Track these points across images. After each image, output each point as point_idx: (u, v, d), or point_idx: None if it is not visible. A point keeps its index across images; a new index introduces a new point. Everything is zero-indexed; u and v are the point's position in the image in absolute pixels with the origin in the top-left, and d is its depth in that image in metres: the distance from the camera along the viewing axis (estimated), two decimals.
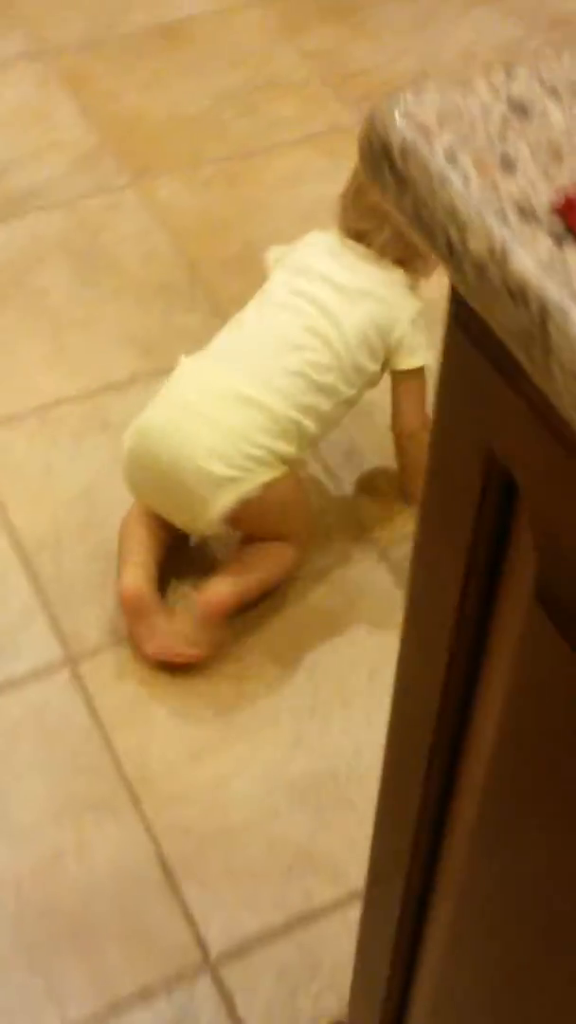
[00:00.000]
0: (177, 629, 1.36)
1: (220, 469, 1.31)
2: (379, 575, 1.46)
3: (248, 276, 1.76)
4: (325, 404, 1.37)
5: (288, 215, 1.85)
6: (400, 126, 0.49)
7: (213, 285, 1.77)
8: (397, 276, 1.42)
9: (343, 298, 1.38)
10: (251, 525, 1.39)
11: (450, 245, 0.47)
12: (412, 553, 0.65)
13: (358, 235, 1.43)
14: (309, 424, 1.36)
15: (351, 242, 1.43)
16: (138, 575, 1.37)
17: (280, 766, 1.29)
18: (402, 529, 1.50)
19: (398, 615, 1.43)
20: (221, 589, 1.36)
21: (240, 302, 1.72)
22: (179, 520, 1.39)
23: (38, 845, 1.23)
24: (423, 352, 1.41)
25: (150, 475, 1.37)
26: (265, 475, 1.33)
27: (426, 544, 0.65)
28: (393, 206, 0.50)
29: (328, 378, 1.37)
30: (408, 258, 1.42)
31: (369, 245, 1.42)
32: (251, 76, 2.09)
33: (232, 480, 1.32)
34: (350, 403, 1.41)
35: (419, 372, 1.43)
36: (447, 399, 0.56)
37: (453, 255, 0.47)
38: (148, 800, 1.26)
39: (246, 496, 1.32)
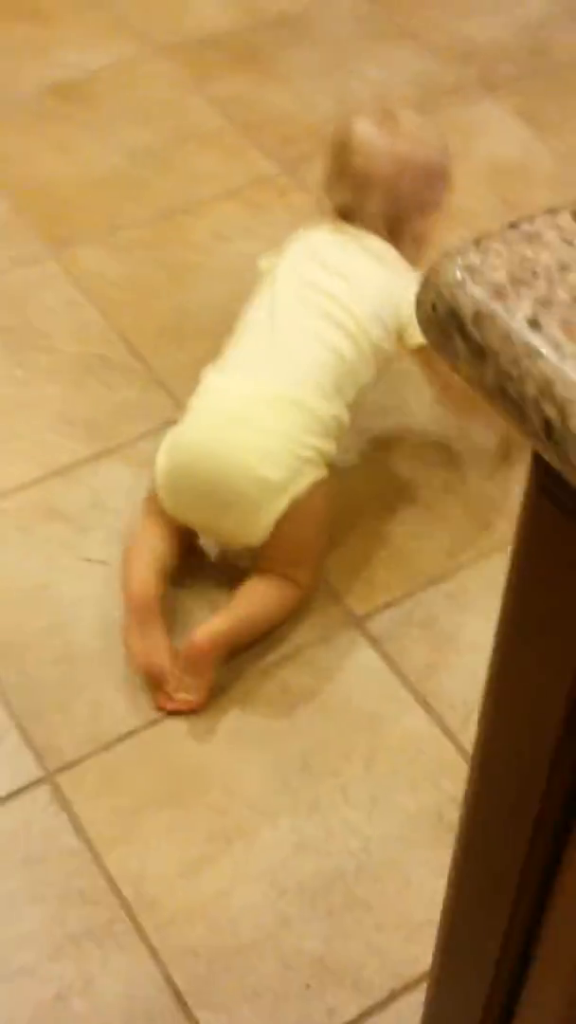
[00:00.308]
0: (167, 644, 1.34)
1: (275, 474, 1.31)
2: (360, 651, 1.41)
3: (185, 343, 1.70)
4: (351, 393, 1.38)
5: (218, 275, 1.80)
6: (470, 289, 0.44)
7: (150, 355, 1.71)
8: (393, 252, 1.43)
9: (350, 284, 1.39)
10: (280, 540, 1.34)
11: (547, 424, 0.42)
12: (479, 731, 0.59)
13: (346, 212, 1.45)
14: (344, 417, 1.37)
15: (342, 225, 1.44)
16: (149, 578, 1.34)
17: (284, 871, 1.23)
18: (379, 598, 1.45)
19: (385, 693, 1.38)
20: (207, 635, 1.32)
21: (179, 371, 1.66)
22: (227, 533, 1.37)
23: (38, 985, 1.16)
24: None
25: (198, 491, 1.34)
26: (313, 475, 1.33)
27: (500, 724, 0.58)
28: (467, 379, 0.45)
29: (352, 365, 1.37)
30: (397, 227, 1.44)
31: (360, 221, 1.44)
32: (163, 131, 2.02)
33: (286, 484, 1.31)
34: (369, 388, 1.41)
35: (429, 354, 1.39)
36: (528, 584, 0.51)
37: (552, 435, 0.42)
38: (150, 924, 1.19)
39: (298, 499, 1.32)
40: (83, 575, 1.46)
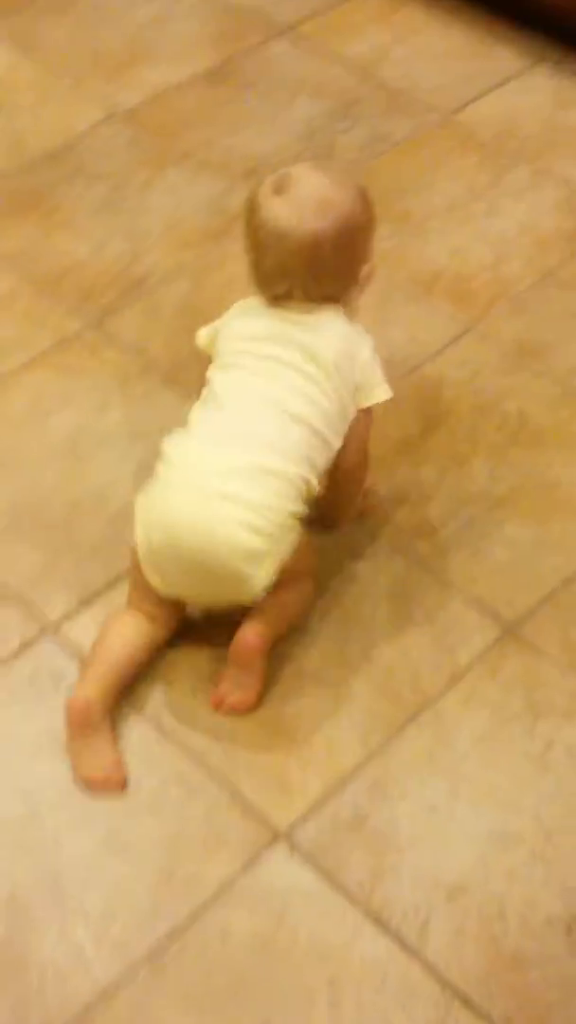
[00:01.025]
0: (115, 757, 1.37)
1: (260, 544, 1.35)
2: (294, 872, 1.30)
3: (23, 539, 1.57)
4: (321, 459, 1.41)
5: (46, 454, 1.66)
6: None
7: None
8: (337, 319, 1.42)
9: (305, 353, 1.40)
10: (276, 589, 1.39)
11: None
12: None
13: (283, 297, 1.41)
14: (315, 481, 1.40)
15: (282, 302, 1.42)
16: (92, 689, 1.37)
17: None
18: (299, 804, 1.34)
19: (332, 917, 1.27)
20: (253, 631, 1.38)
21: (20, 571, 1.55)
22: (219, 600, 1.42)
23: None
24: (383, 386, 1.46)
25: (186, 568, 1.37)
26: (293, 538, 1.38)
27: None
28: None
29: (321, 433, 1.40)
30: (335, 293, 1.42)
31: (295, 300, 1.41)
32: None
33: (271, 551, 1.36)
34: (333, 451, 1.43)
35: (370, 409, 1.46)
36: None
37: None
38: None
39: (284, 561, 1.37)
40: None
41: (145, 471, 1.44)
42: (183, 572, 1.37)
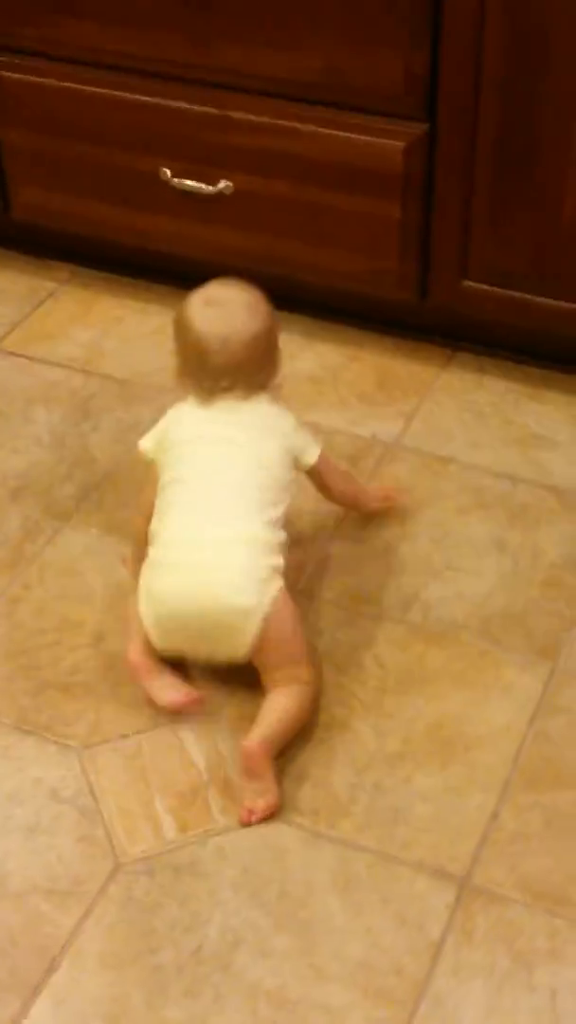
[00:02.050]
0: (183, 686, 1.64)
1: (248, 601, 1.58)
2: None
3: None
4: (281, 509, 1.66)
5: None
6: None
7: None
8: (264, 402, 1.70)
9: (246, 434, 1.67)
10: (269, 647, 1.60)
11: None
12: None
13: (224, 390, 1.67)
14: (283, 537, 1.65)
15: (219, 396, 1.68)
16: (139, 645, 1.65)
17: None
18: None
19: None
20: (255, 739, 1.55)
21: None
22: (216, 656, 1.64)
23: None
24: (313, 444, 1.74)
25: (187, 632, 1.62)
26: (273, 590, 1.60)
27: None
28: None
29: (274, 495, 1.65)
30: (265, 381, 1.71)
31: (235, 390, 1.68)
32: None
33: (256, 607, 1.58)
34: (290, 497, 1.70)
35: (322, 459, 1.75)
36: None
37: None
38: None
39: (268, 614, 1.58)
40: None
41: None
42: (186, 635, 1.63)
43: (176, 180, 2.08)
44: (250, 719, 1.58)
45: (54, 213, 2.32)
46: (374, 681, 1.69)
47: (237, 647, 1.59)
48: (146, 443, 1.72)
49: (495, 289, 2.08)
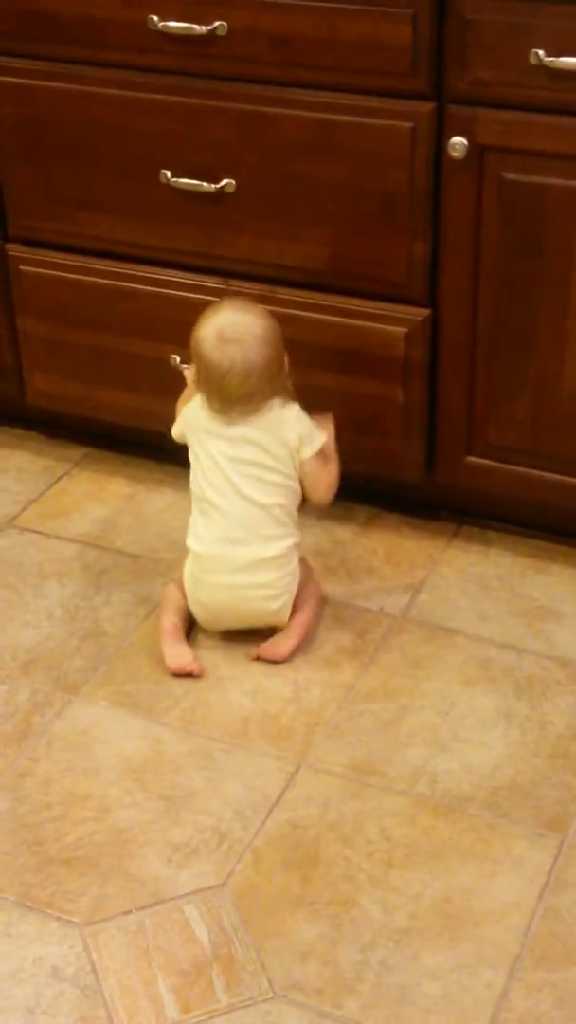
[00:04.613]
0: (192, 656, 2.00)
1: (279, 604, 1.99)
2: None
3: None
4: (294, 506, 2.01)
5: None
6: None
7: None
8: (275, 406, 1.95)
9: (259, 449, 1.93)
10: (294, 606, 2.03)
11: None
12: None
13: (225, 412, 1.94)
14: (296, 532, 2.01)
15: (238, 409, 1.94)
16: (175, 617, 2.04)
17: None
18: None
19: None
20: (287, 646, 2.01)
21: None
22: (257, 626, 2.04)
23: None
24: (317, 434, 1.98)
25: (228, 623, 2.03)
26: (295, 585, 2.01)
27: None
28: None
29: (287, 500, 1.98)
30: (278, 390, 1.95)
31: (253, 405, 1.93)
32: None
33: (285, 604, 2.00)
34: (299, 493, 2.02)
35: (319, 454, 1.98)
36: None
37: None
38: None
39: (291, 597, 2.01)
40: None
41: None
42: (229, 623, 2.03)
43: (184, 367, 2.15)
44: (257, 895, 1.55)
45: (67, 398, 2.40)
46: (381, 854, 1.67)
47: (274, 624, 2.01)
48: (176, 433, 2.02)
49: (498, 465, 2.13)
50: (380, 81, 1.91)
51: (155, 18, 1.98)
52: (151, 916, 1.60)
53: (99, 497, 2.39)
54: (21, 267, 2.29)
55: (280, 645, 1.99)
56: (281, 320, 1.96)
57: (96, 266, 2.24)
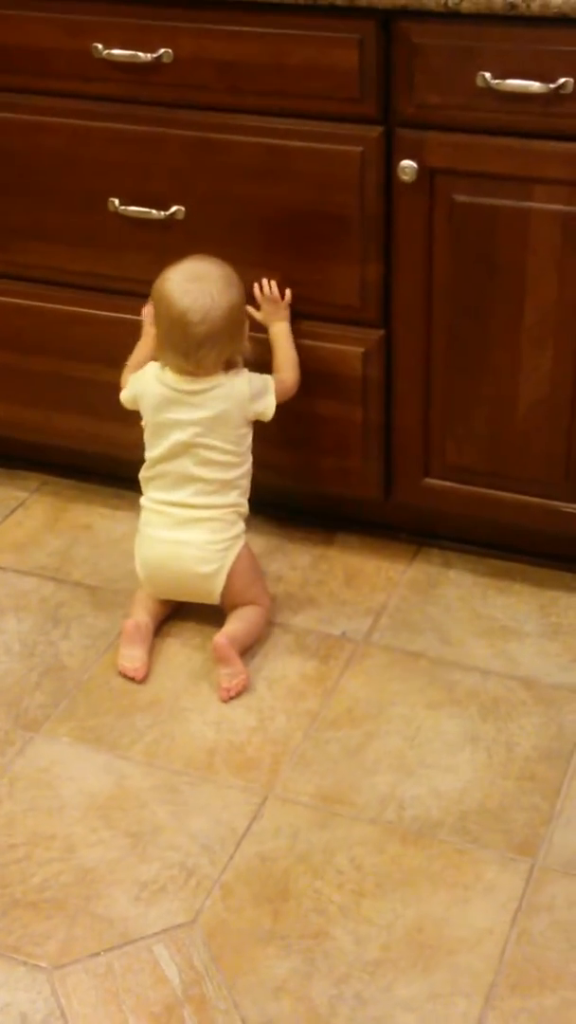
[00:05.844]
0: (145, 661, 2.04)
1: (207, 568, 2.02)
2: None
3: None
4: (244, 480, 2.04)
5: None
6: None
7: None
8: (226, 377, 1.98)
9: (204, 427, 1.97)
10: (233, 592, 2.04)
11: None
12: None
13: (185, 371, 1.97)
14: (242, 499, 2.05)
15: (191, 373, 1.97)
16: (142, 614, 2.08)
17: None
18: None
19: None
20: (223, 635, 1.99)
21: None
22: (196, 600, 2.08)
23: None
24: (269, 404, 2.02)
25: (168, 585, 2.07)
26: (232, 555, 2.03)
27: None
28: None
29: (233, 468, 2.01)
30: (237, 350, 1.99)
31: (206, 366, 1.96)
32: None
33: (217, 570, 2.02)
34: (249, 463, 2.06)
35: (273, 403, 2.03)
36: None
37: None
38: None
39: (230, 571, 2.02)
40: None
41: None
42: (168, 587, 2.07)
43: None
44: (227, 931, 1.54)
45: (25, 427, 2.38)
46: (351, 885, 1.65)
47: (206, 597, 2.05)
48: (126, 399, 2.05)
49: (456, 485, 2.12)
50: (328, 106, 1.91)
51: (99, 46, 1.97)
52: (120, 957, 1.57)
53: (55, 529, 2.37)
54: None
55: (222, 635, 1.99)
56: None
57: (50, 292, 2.22)
